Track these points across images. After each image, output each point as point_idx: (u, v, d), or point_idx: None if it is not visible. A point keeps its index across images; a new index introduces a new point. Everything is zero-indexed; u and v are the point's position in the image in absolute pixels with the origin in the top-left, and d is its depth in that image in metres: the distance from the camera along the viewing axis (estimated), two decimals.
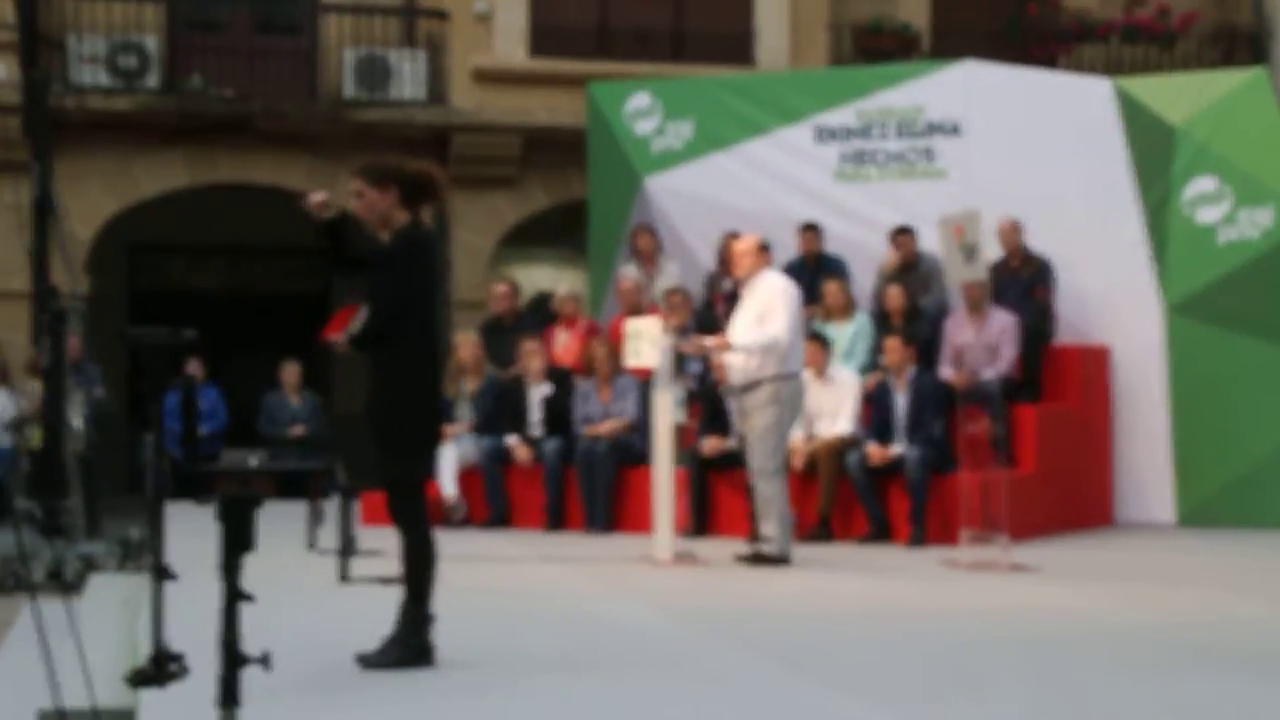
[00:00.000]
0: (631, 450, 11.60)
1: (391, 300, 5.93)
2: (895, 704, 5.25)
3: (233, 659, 3.43)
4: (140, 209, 17.51)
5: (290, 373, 15.27)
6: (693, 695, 5.40)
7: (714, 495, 11.33)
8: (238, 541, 3.45)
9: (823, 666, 5.97)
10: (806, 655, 6.25)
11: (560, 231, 18.37)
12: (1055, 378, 12.15)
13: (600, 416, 11.85)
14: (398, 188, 5.98)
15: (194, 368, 14.89)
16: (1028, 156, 12.63)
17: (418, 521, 5.97)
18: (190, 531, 9.85)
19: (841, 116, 13.41)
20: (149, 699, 4.77)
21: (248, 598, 3.55)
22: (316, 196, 5.97)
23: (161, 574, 3.68)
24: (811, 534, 10.67)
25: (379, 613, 6.34)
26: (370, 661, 5.79)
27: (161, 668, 3.50)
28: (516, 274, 17.32)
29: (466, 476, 11.90)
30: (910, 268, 12.42)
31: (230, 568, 3.45)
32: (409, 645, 5.84)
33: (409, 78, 17.17)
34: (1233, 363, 12.28)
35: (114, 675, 6.36)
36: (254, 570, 4.93)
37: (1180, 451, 12.40)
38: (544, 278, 19.11)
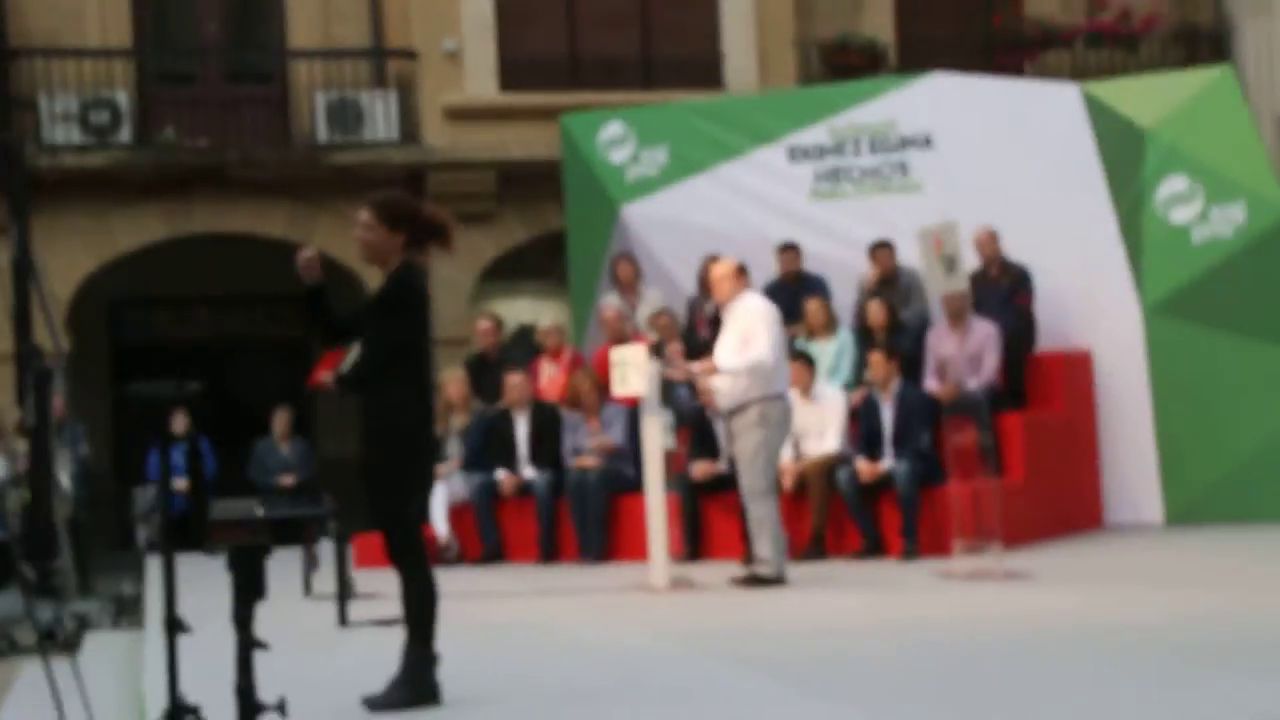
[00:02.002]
0: (622, 478, 11.63)
1: (385, 345, 5.96)
2: (903, 717, 5.29)
3: (249, 708, 3.46)
4: (119, 264, 17.54)
5: (280, 420, 15.26)
6: (703, 718, 5.43)
7: (706, 519, 11.36)
8: (249, 590, 3.48)
9: (829, 684, 6.00)
10: (811, 673, 6.28)
11: (539, 264, 18.45)
12: (1039, 385, 12.21)
13: (589, 448, 11.87)
14: (408, 232, 6.00)
15: (179, 422, 14.89)
16: (1000, 165, 12.71)
17: (417, 561, 5.98)
18: (185, 583, 9.85)
19: (814, 135, 13.49)
20: None
21: (262, 646, 3.58)
22: (306, 254, 5.99)
23: (175, 627, 3.70)
24: (805, 553, 10.70)
25: (382, 655, 6.37)
26: (377, 703, 5.81)
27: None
28: (497, 308, 17.36)
29: (457, 513, 11.92)
30: (890, 282, 12.49)
31: (243, 616, 3.49)
32: (415, 685, 5.85)
33: (381, 118, 17.27)
34: (1213, 361, 12.34)
35: None
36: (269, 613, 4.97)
37: (1165, 451, 12.45)
38: (525, 311, 19.16)
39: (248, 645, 3.46)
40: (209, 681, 4.82)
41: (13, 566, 11.45)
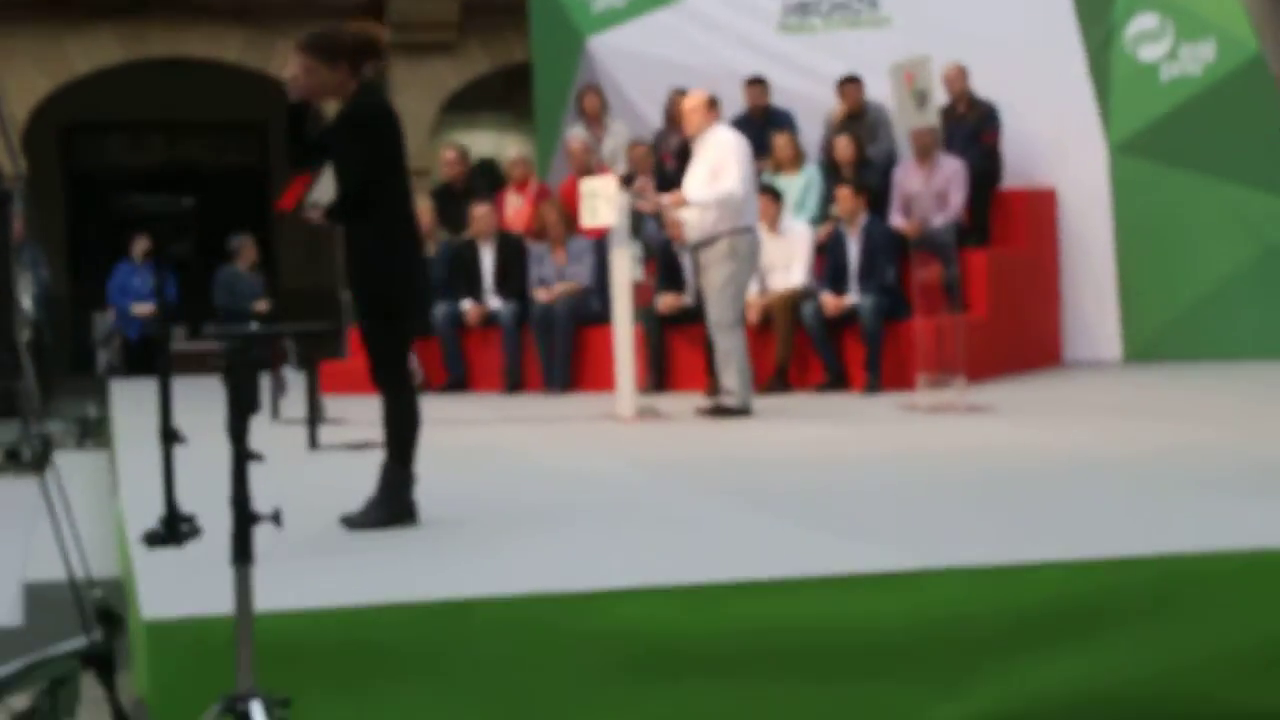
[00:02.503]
0: (588, 310, 11.67)
1: (360, 166, 5.91)
2: (874, 539, 5.38)
3: (245, 517, 3.49)
4: (72, 87, 17.28)
5: (247, 248, 15.12)
6: (666, 539, 5.51)
7: (671, 351, 11.42)
8: (243, 403, 3.50)
9: (799, 508, 6.09)
10: (780, 499, 6.37)
11: (502, 96, 18.30)
12: (1003, 222, 12.27)
13: (555, 279, 11.89)
14: (349, 60, 5.91)
15: (140, 245, 14.78)
16: (970, 1, 12.62)
17: (402, 384, 6.00)
18: (149, 404, 9.87)
19: None
20: (148, 564, 4.85)
21: (257, 457, 3.61)
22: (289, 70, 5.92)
23: (170, 437, 3.71)
24: (769, 385, 10.79)
25: (353, 478, 6.42)
26: (355, 522, 5.86)
27: (174, 528, 3.55)
28: (459, 139, 17.22)
29: (422, 342, 11.92)
30: (857, 117, 12.45)
31: (238, 429, 3.50)
32: (393, 504, 5.91)
33: None
34: (1176, 199, 12.41)
35: (99, 549, 6.43)
36: (223, 440, 4.99)
37: (1125, 289, 12.57)
38: (487, 143, 19.05)
39: (242, 457, 3.48)
40: (194, 495, 4.85)
41: None
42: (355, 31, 6.04)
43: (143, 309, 14.72)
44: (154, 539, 3.60)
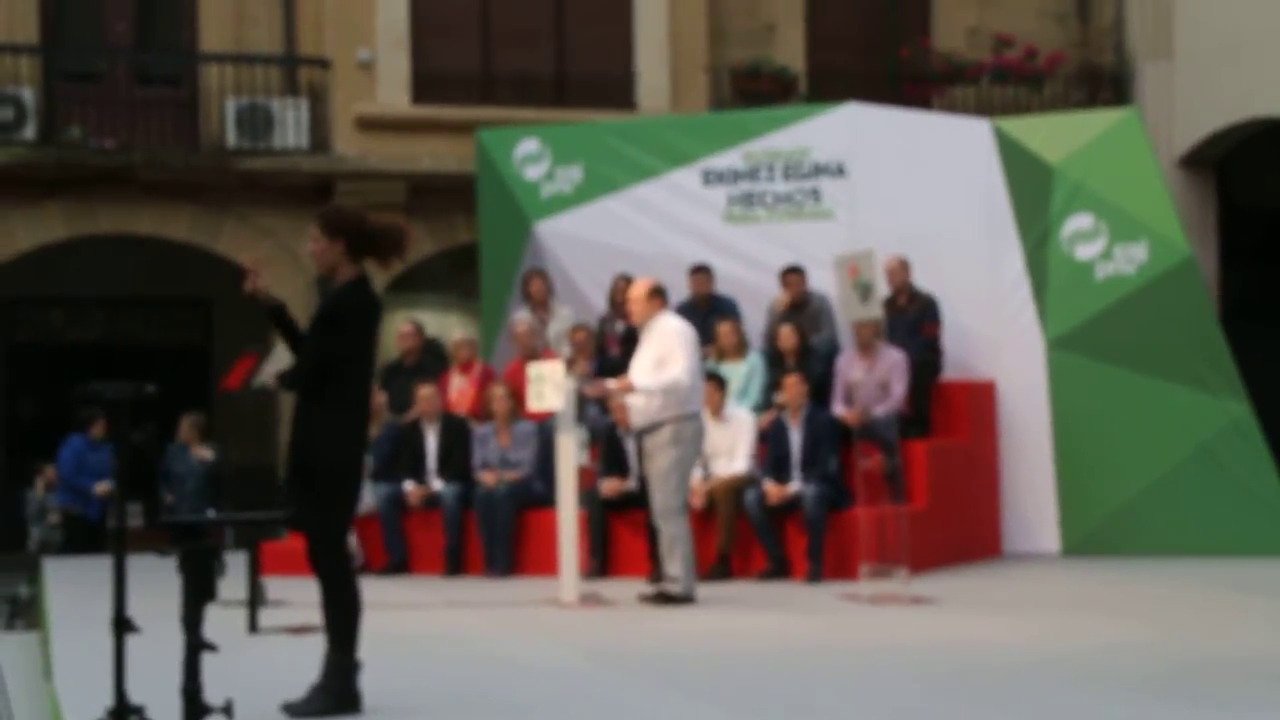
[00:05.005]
0: (530, 494, 11.66)
1: (318, 354, 5.97)
2: None
3: (196, 709, 3.45)
4: (16, 262, 17.28)
5: (191, 425, 14.99)
6: None
7: (614, 537, 11.40)
8: (199, 592, 3.48)
9: (742, 702, 6.07)
10: (724, 692, 6.35)
11: (446, 277, 18.42)
12: (943, 413, 12.40)
13: (498, 462, 11.88)
14: (344, 241, 6.03)
15: (99, 428, 14.67)
16: (911, 196, 12.90)
17: (342, 570, 5.99)
18: (88, 586, 9.74)
19: (729, 159, 13.60)
20: None
21: (210, 647, 3.58)
22: (257, 283, 6.01)
23: (123, 626, 3.68)
24: (711, 572, 10.76)
25: (294, 662, 6.36)
26: (298, 710, 5.79)
27: (123, 719, 3.51)
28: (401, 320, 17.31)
29: (363, 523, 11.84)
30: (801, 306, 12.62)
31: (193, 618, 3.48)
32: (336, 693, 5.85)
33: (292, 126, 17.15)
34: (1111, 396, 12.59)
35: None
36: (161, 623, 4.92)
37: (1063, 483, 12.68)
38: (430, 324, 19.07)
39: (196, 646, 3.46)
40: (135, 683, 4.79)
41: None
42: (364, 218, 6.16)
43: (103, 488, 14.58)
44: None
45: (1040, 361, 12.76)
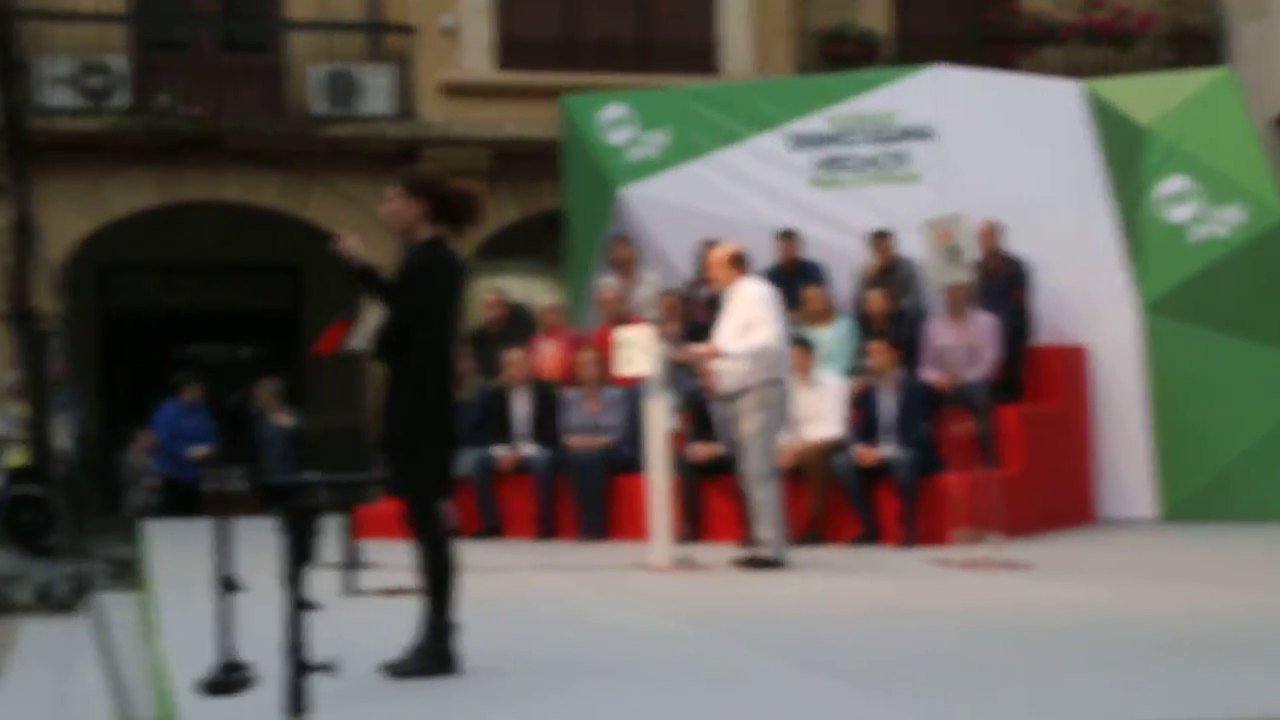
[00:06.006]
0: (620, 458, 11.68)
1: (399, 311, 6.01)
2: (910, 698, 5.35)
3: (299, 666, 3.48)
4: (110, 229, 17.50)
5: (273, 391, 15.17)
6: (714, 696, 5.48)
7: (704, 501, 11.40)
8: (300, 552, 3.51)
9: (833, 664, 6.05)
10: (816, 653, 6.34)
11: (530, 243, 18.46)
12: (1035, 378, 12.29)
13: (587, 427, 11.91)
14: (426, 202, 6.06)
15: (193, 391, 14.84)
16: (1000, 159, 12.78)
17: (437, 532, 6.02)
18: (181, 547, 9.87)
19: (814, 123, 13.54)
20: (194, 712, 4.82)
21: (312, 606, 3.61)
22: (346, 243, 6.05)
23: (229, 585, 3.72)
24: (802, 537, 10.74)
25: (390, 624, 6.41)
26: (397, 670, 5.84)
27: (230, 677, 3.55)
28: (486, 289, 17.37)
29: (455, 488, 11.91)
30: (888, 270, 12.55)
31: (294, 577, 3.51)
32: (434, 653, 5.89)
33: (377, 92, 17.22)
34: (1208, 359, 12.43)
35: (144, 691, 6.40)
36: (256, 585, 4.96)
37: (1160, 448, 12.54)
38: (515, 289, 19.14)
39: (298, 605, 3.49)
40: (242, 643, 4.83)
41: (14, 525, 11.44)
42: (444, 182, 6.18)
43: (199, 452, 14.77)
44: (211, 687, 3.60)
45: (1133, 325, 12.62)
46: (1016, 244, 12.40)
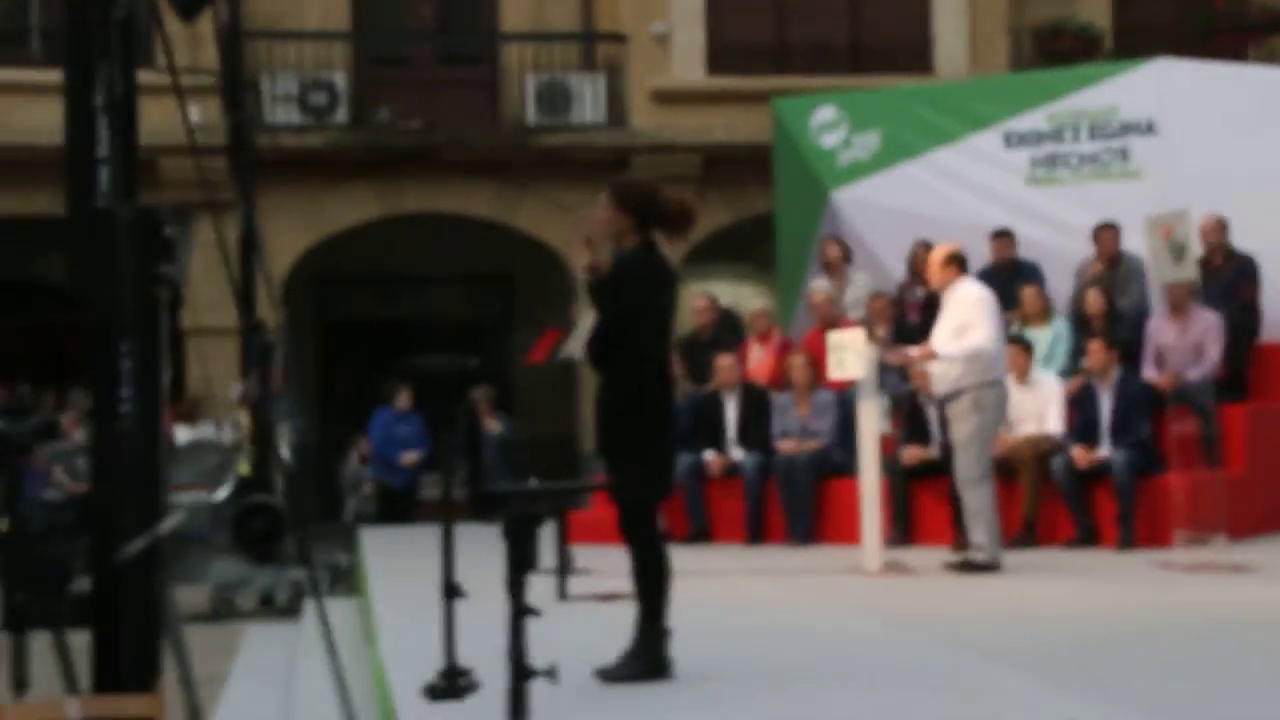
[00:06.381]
0: (830, 462, 11.61)
1: (608, 322, 6.05)
2: (1131, 703, 5.21)
3: (521, 672, 3.53)
4: (330, 242, 17.97)
5: (485, 399, 15.44)
6: (928, 701, 5.42)
7: (915, 504, 11.27)
8: (522, 559, 3.55)
9: (1058, 670, 5.94)
10: (1039, 659, 6.22)
11: (740, 248, 18.46)
12: (1262, 376, 11.90)
13: (798, 431, 11.87)
14: (632, 215, 6.08)
15: (404, 399, 15.18)
16: (1227, 152, 12.37)
17: (652, 538, 6.05)
18: (400, 556, 10.04)
19: (1031, 121, 13.28)
20: (418, 715, 4.90)
21: (534, 613, 3.65)
22: (582, 261, 6.12)
23: (451, 592, 3.79)
24: (1016, 539, 10.55)
25: (604, 629, 6.46)
26: (611, 675, 5.88)
27: (454, 682, 3.60)
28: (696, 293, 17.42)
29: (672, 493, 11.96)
30: (1114, 264, 12.26)
31: (516, 584, 3.56)
32: (647, 659, 5.92)
33: (589, 101, 17.41)
34: None
35: (366, 696, 6.54)
36: (471, 588, 5.02)
37: None
38: (724, 294, 19.15)
39: (520, 612, 3.53)
40: (461, 648, 4.90)
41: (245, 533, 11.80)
42: (656, 191, 6.22)
43: (410, 459, 15.10)
44: (435, 692, 3.66)
45: None
46: (1243, 239, 12.01)
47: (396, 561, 10.77)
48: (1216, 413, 10.94)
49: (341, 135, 17.25)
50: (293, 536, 12.09)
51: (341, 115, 17.20)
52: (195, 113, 16.35)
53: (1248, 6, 18.07)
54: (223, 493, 12.86)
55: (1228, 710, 5.15)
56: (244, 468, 13.16)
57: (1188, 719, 4.87)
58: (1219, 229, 11.95)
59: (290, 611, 11.80)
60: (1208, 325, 11.37)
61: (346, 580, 12.65)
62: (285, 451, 13.29)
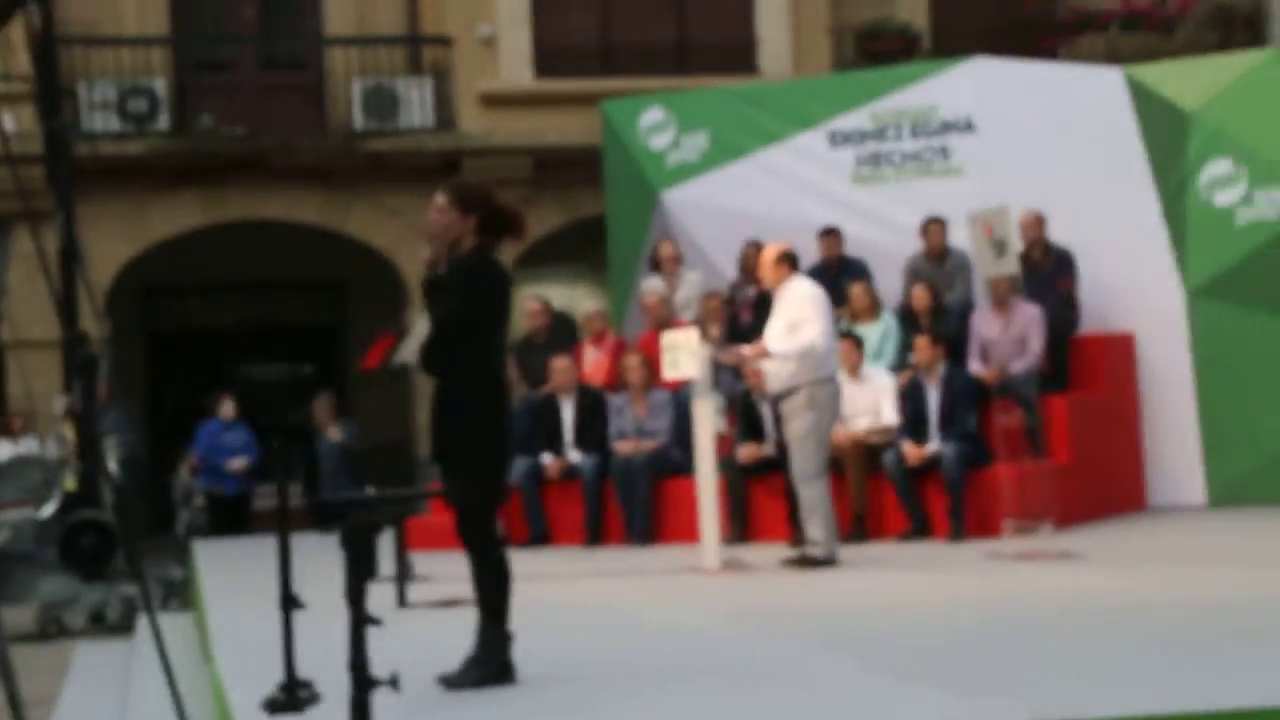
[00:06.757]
0: (668, 462, 11.69)
1: (447, 323, 6.02)
2: (966, 692, 5.32)
3: (362, 682, 3.50)
4: (154, 251, 17.63)
5: (324, 407, 15.23)
6: (773, 697, 5.47)
7: (753, 502, 11.39)
8: (362, 569, 3.53)
9: (894, 660, 6.04)
10: (876, 651, 6.33)
11: (572, 250, 18.48)
12: (1082, 367, 12.22)
13: (634, 431, 11.92)
14: (477, 217, 6.06)
15: (226, 409, 14.93)
16: (1042, 149, 12.70)
17: (490, 543, 6.03)
18: (229, 563, 9.90)
19: (855, 120, 13.50)
20: None
21: (374, 622, 3.63)
22: (424, 255, 6.10)
23: (289, 603, 3.75)
24: (848, 534, 10.69)
25: (446, 635, 6.43)
26: (453, 682, 5.86)
27: (294, 694, 3.57)
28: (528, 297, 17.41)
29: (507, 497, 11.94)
30: (941, 258, 12.51)
31: (356, 593, 3.53)
32: (490, 664, 5.91)
33: (417, 105, 17.31)
34: (1255, 343, 12.31)
35: (202, 711, 6.43)
36: (309, 599, 4.98)
37: (1208, 434, 12.43)
38: (558, 297, 19.18)
39: (360, 621, 3.50)
40: (301, 659, 4.85)
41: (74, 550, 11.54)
42: (493, 196, 6.20)
43: (238, 464, 14.85)
44: (275, 706, 3.62)
45: (1180, 312, 12.51)
46: (1060, 234, 12.33)
47: (232, 574, 10.60)
48: (1040, 404, 11.22)
49: (163, 142, 16.94)
50: (123, 551, 11.86)
51: (163, 122, 16.89)
52: (9, 120, 15.97)
53: (1056, 7, 18.55)
54: (49, 509, 12.54)
55: (1044, 688, 5.28)
56: (70, 483, 12.87)
57: (1030, 703, 4.98)
58: (1037, 224, 12.26)
59: (122, 628, 11.57)
60: (1030, 319, 11.65)
61: (181, 594, 12.44)
62: (113, 465, 13.01)
